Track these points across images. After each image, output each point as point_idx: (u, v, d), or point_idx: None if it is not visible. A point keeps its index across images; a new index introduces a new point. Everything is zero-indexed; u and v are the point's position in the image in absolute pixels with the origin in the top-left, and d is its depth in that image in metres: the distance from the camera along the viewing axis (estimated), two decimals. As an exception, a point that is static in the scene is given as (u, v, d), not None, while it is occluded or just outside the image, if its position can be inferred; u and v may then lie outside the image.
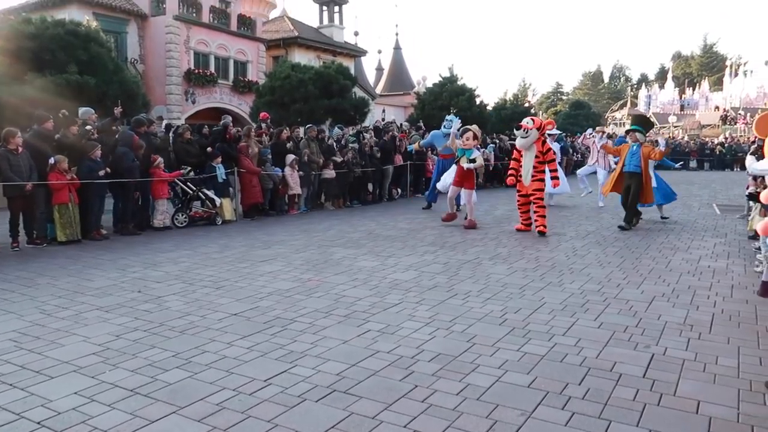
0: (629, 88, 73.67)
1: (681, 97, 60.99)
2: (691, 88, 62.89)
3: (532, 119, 9.27)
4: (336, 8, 32.96)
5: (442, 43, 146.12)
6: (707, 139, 37.59)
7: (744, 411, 3.05)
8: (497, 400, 3.17)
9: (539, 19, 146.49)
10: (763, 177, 6.08)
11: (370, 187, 14.61)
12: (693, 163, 31.76)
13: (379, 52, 46.34)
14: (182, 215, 10.12)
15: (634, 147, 9.60)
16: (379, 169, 14.32)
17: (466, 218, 10.01)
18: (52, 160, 8.18)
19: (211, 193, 10.32)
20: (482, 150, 18.11)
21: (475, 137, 9.76)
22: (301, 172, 11.92)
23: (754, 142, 20.32)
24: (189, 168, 10.37)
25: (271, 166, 11.49)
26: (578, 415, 3.01)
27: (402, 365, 3.67)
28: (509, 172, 9.48)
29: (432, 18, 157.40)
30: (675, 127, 48.39)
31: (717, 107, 54.35)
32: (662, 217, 10.59)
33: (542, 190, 9.13)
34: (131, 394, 3.27)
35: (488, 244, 8.18)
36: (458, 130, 10.28)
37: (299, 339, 4.18)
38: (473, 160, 9.68)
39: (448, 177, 10.89)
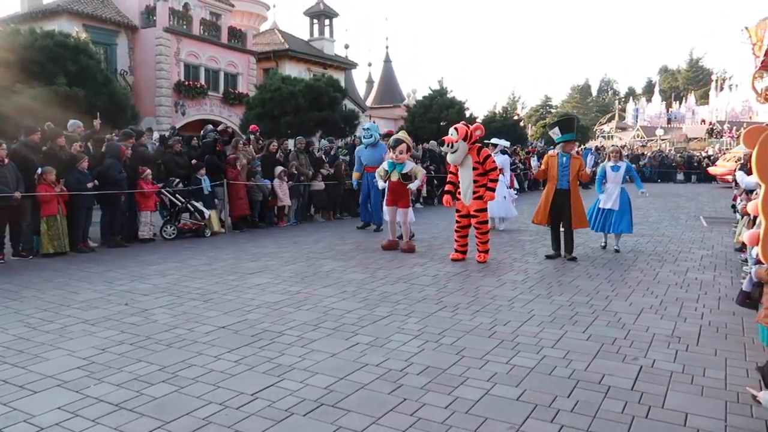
0: (617, 101, 74.60)
1: (668, 111, 61.84)
2: (677, 102, 63.78)
3: (456, 129, 7.69)
4: (326, 21, 33.16)
5: (432, 56, 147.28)
6: (694, 152, 38.03)
7: (731, 423, 3.06)
8: (486, 413, 3.16)
9: (529, 32, 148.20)
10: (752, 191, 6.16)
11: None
12: (680, 176, 32.06)
13: (370, 64, 46.72)
14: (171, 227, 10.05)
15: (564, 159, 7.85)
16: (370, 181, 14.31)
17: (400, 237, 8.91)
18: (39, 171, 8.13)
19: (199, 205, 10.28)
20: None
21: (408, 149, 8.69)
22: (290, 182, 11.91)
23: (739, 159, 20.59)
24: (177, 180, 10.32)
25: (261, 177, 11.47)
26: (567, 427, 3.00)
27: (391, 378, 3.65)
28: (446, 188, 8.14)
29: (422, 31, 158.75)
30: (662, 140, 48.97)
31: (703, 120, 55.12)
32: (615, 250, 8.60)
33: (485, 210, 7.81)
34: (116, 408, 3.23)
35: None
36: (389, 139, 9.10)
37: (287, 352, 4.15)
38: (407, 176, 8.46)
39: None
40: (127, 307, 5.44)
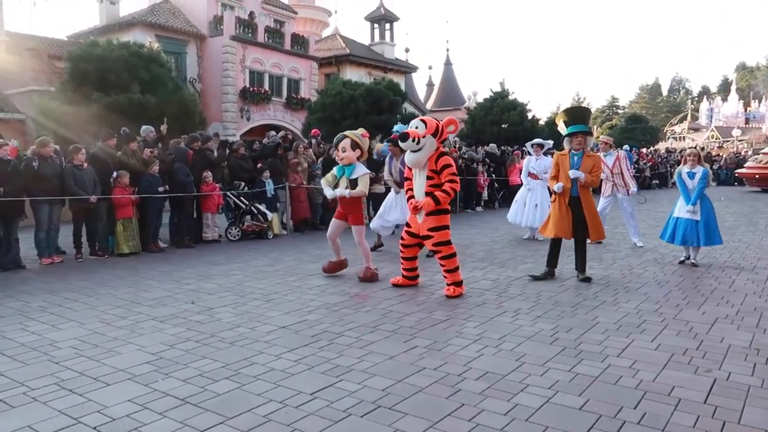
0: (689, 101, 71.36)
1: (746, 110, 58.57)
2: (756, 101, 60.28)
3: (424, 121, 6.05)
4: (387, 25, 33.42)
5: (493, 58, 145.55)
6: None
7: (817, 443, 2.85)
8: (547, 422, 3.07)
9: (594, 31, 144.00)
10: None
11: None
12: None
13: (430, 68, 46.64)
14: (235, 229, 10.38)
15: (575, 158, 6.53)
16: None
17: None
18: (114, 175, 8.60)
19: (263, 208, 10.55)
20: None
21: (356, 146, 6.63)
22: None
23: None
24: (243, 183, 10.66)
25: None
26: (633, 440, 2.87)
27: (449, 383, 3.61)
28: (407, 194, 6.33)
29: (483, 33, 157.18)
30: (739, 141, 46.39)
31: (785, 120, 51.86)
32: (692, 263, 7.55)
33: (443, 228, 6.06)
34: (182, 403, 3.34)
35: (539, 261, 7.98)
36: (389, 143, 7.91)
37: (346, 353, 4.18)
38: (355, 182, 6.60)
39: (393, 212, 8.55)
40: (193, 305, 5.64)
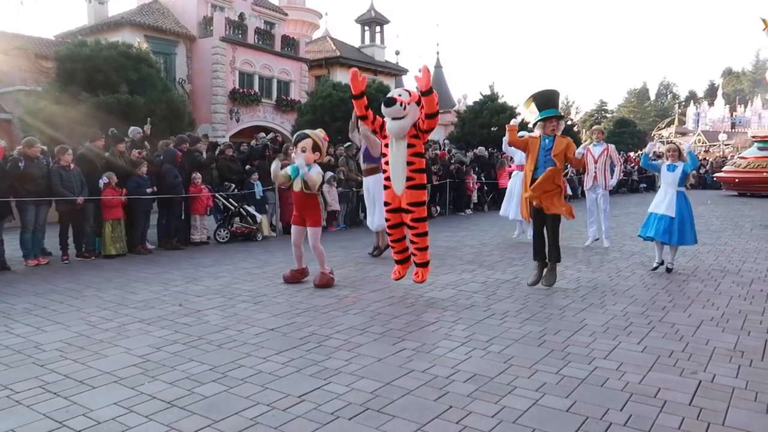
0: (677, 105, 72.08)
1: (732, 115, 59.31)
2: (742, 106, 61.06)
3: (408, 91, 5.85)
4: (377, 28, 33.46)
5: (483, 61, 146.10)
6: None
7: (799, 444, 2.88)
8: (534, 424, 3.09)
9: (583, 35, 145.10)
10: None
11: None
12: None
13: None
14: (224, 231, 10.33)
15: (547, 141, 6.20)
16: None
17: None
18: (104, 178, 8.52)
19: (252, 209, 10.52)
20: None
21: (316, 148, 6.42)
22: (339, 188, 12.03)
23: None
24: (233, 185, 10.62)
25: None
26: (619, 442, 2.89)
27: (437, 385, 3.62)
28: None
29: (473, 36, 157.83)
30: (726, 145, 46.91)
31: (770, 125, 52.50)
32: (667, 268, 7.42)
33: (423, 204, 5.92)
34: (168, 406, 3.32)
35: (527, 263, 8.02)
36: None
37: (334, 356, 4.17)
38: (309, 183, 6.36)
39: (379, 213, 7.79)
40: (181, 307, 5.61)
